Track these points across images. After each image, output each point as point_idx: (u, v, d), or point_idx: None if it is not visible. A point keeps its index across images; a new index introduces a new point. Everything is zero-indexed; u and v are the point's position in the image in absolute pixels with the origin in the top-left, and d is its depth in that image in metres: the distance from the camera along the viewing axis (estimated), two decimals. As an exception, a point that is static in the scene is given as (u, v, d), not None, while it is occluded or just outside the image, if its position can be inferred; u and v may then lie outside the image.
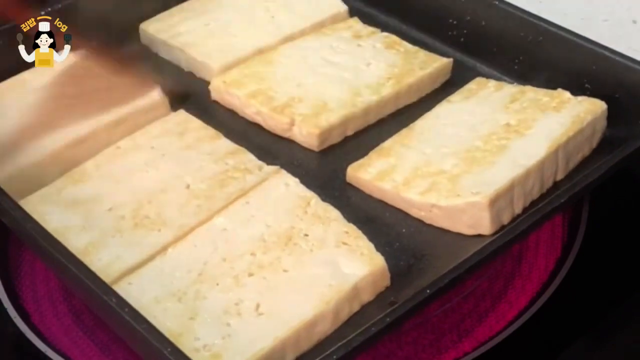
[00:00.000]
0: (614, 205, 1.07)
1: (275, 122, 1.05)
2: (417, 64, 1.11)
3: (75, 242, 0.88)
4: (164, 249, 0.89)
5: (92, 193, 0.95)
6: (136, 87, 1.05)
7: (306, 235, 0.89)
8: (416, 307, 0.80)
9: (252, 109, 1.07)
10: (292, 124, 1.04)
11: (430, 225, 0.94)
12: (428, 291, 0.80)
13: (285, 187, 0.95)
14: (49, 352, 0.91)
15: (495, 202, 0.90)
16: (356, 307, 0.85)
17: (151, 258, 0.88)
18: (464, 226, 0.92)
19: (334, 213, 0.92)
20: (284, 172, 0.97)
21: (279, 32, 1.17)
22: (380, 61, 1.12)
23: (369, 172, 0.98)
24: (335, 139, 1.05)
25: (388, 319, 0.78)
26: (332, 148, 1.04)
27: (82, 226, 0.91)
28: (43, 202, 0.94)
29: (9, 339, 0.93)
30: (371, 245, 0.88)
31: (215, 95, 1.11)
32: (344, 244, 0.88)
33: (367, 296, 0.86)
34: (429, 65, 1.11)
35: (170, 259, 0.88)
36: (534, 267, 0.99)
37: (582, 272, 0.98)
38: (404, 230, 0.94)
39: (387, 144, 1.01)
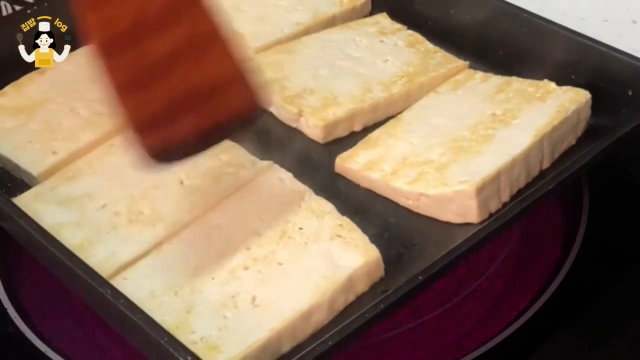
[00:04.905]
0: (614, 206, 1.08)
1: (284, 112, 1.07)
2: (432, 65, 1.12)
3: (70, 239, 0.89)
4: (159, 244, 0.89)
5: (85, 190, 0.95)
6: None
7: (300, 228, 0.90)
8: (409, 293, 0.81)
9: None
10: (300, 114, 1.06)
11: (419, 215, 0.95)
12: (420, 278, 0.81)
13: (279, 181, 0.96)
14: (49, 352, 0.91)
15: (482, 190, 0.91)
16: (351, 298, 0.86)
17: (147, 254, 0.89)
18: (452, 215, 0.93)
19: (328, 206, 0.93)
20: (277, 166, 0.98)
21: (300, 23, 1.19)
22: (397, 59, 1.13)
23: (357, 162, 0.99)
24: (342, 132, 1.06)
25: (382, 305, 0.79)
26: (337, 141, 1.05)
27: (76, 223, 0.91)
28: (36, 200, 0.94)
29: (9, 339, 0.94)
30: (365, 237, 0.89)
31: None
32: (339, 236, 0.89)
33: (361, 287, 0.87)
34: (443, 66, 1.12)
35: (166, 254, 0.89)
36: (534, 267, 0.99)
37: (582, 272, 0.98)
38: (393, 220, 0.95)
39: (375, 134, 1.03)
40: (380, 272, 0.88)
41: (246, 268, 0.86)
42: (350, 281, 0.86)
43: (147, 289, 0.84)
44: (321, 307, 0.83)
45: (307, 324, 0.83)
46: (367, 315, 0.78)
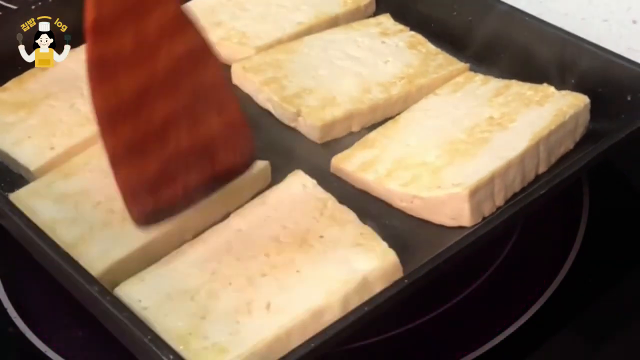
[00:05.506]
0: (614, 207, 1.08)
1: (283, 111, 1.07)
2: (432, 66, 1.12)
3: (64, 235, 0.89)
4: (153, 241, 0.89)
5: (81, 187, 0.95)
6: None
7: (321, 236, 0.89)
8: (394, 296, 0.81)
9: (264, 96, 1.09)
10: (298, 114, 1.06)
11: (412, 217, 0.95)
12: (406, 281, 0.82)
13: (302, 188, 0.95)
14: (49, 352, 0.91)
15: (475, 193, 0.92)
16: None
17: (139, 251, 0.89)
18: (445, 217, 0.93)
19: (350, 215, 0.92)
20: (301, 172, 0.97)
21: (302, 23, 1.20)
22: (398, 60, 1.13)
23: (353, 163, 0.99)
24: (339, 133, 1.06)
25: (366, 308, 0.79)
26: (334, 142, 1.06)
27: (71, 220, 0.92)
28: (32, 196, 0.95)
29: (9, 339, 0.94)
30: (384, 244, 0.88)
31: (235, 79, 1.13)
32: (359, 245, 0.88)
33: (379, 288, 0.84)
34: (443, 68, 1.12)
35: (184, 257, 0.88)
36: (534, 267, 0.99)
37: (582, 272, 0.98)
38: (387, 222, 0.95)
39: (372, 135, 1.03)
40: (399, 275, 0.87)
41: (264, 275, 0.86)
42: (365, 282, 0.85)
43: (163, 292, 0.84)
44: (333, 307, 0.83)
45: (318, 323, 0.81)
46: (351, 317, 0.78)
